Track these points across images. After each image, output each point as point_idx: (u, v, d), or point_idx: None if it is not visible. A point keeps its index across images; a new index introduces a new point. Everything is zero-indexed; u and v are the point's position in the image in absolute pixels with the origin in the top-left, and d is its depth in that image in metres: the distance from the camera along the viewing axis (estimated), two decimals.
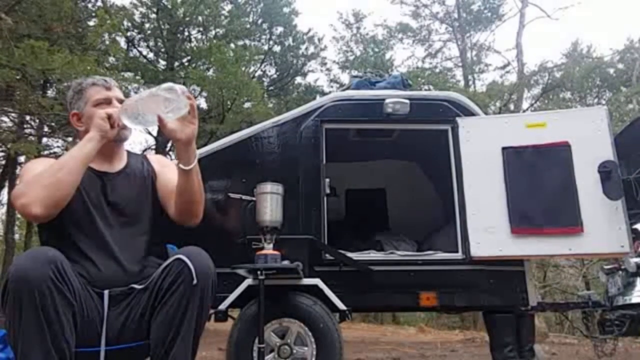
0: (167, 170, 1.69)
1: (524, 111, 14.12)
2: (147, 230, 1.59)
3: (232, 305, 2.79)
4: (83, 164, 1.41)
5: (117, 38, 10.28)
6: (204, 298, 1.35)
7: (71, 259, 1.37)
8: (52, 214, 1.37)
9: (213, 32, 12.70)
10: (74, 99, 1.65)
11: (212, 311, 2.64)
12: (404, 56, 36.47)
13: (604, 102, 15.46)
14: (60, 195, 1.36)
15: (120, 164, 1.65)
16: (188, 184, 1.49)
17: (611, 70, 16.17)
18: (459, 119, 3.32)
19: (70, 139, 10.06)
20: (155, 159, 1.76)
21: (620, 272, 3.74)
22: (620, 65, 16.02)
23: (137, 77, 10.64)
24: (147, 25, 12.17)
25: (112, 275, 1.43)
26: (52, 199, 1.35)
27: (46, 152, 11.76)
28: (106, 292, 1.40)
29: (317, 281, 2.84)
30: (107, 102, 1.61)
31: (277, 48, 14.58)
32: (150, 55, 12.68)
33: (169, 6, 11.54)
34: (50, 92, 9.80)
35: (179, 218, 1.62)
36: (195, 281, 1.33)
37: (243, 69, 11.31)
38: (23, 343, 1.20)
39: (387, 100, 3.27)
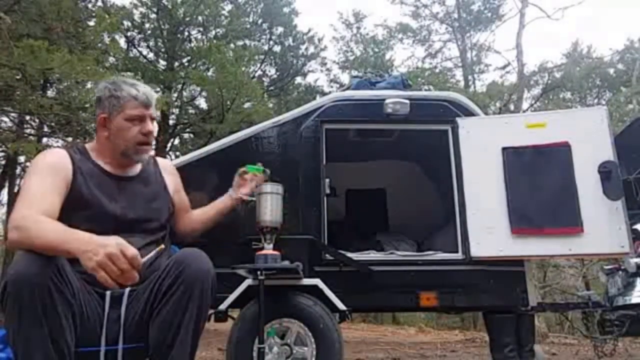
0: (180, 187, 1.81)
1: (524, 111, 14.10)
2: (161, 236, 1.61)
3: (232, 305, 2.78)
4: (54, 250, 1.24)
5: (117, 38, 10.27)
6: (203, 300, 1.34)
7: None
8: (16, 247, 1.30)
9: (213, 32, 12.69)
10: (107, 102, 1.56)
11: (212, 311, 2.64)
12: (404, 56, 36.51)
13: (604, 102, 15.46)
14: (29, 246, 1.26)
15: (136, 168, 1.65)
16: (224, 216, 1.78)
17: (611, 71, 16.16)
18: (459, 119, 3.32)
19: (70, 139, 10.03)
20: (163, 165, 1.77)
21: (620, 272, 3.74)
22: (620, 65, 16.01)
23: (137, 77, 10.64)
24: (147, 25, 12.15)
25: None
26: (23, 244, 1.26)
27: None
28: (108, 292, 1.40)
29: (317, 281, 2.83)
30: (141, 119, 1.57)
31: (277, 48, 14.57)
32: (150, 55, 12.67)
33: (169, 6, 11.53)
34: (50, 92, 9.78)
35: (184, 233, 1.79)
36: (193, 283, 1.32)
37: (243, 69, 11.29)
38: (24, 343, 1.19)
39: (387, 101, 3.27)
